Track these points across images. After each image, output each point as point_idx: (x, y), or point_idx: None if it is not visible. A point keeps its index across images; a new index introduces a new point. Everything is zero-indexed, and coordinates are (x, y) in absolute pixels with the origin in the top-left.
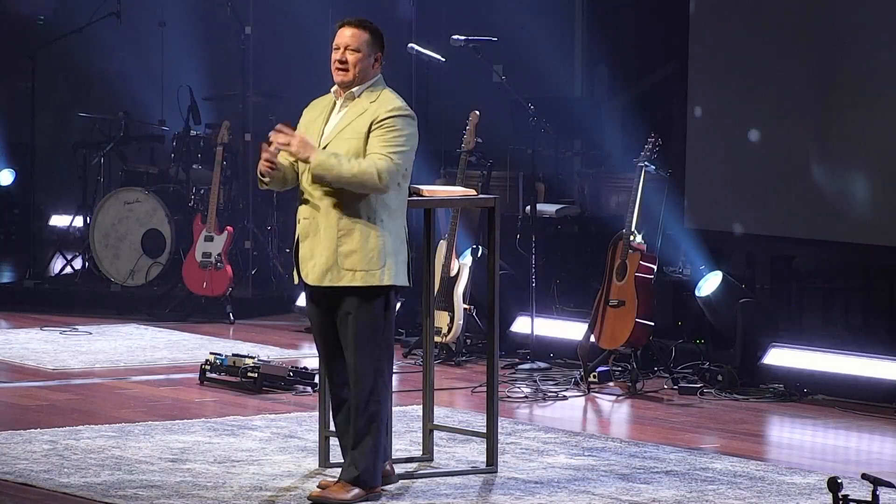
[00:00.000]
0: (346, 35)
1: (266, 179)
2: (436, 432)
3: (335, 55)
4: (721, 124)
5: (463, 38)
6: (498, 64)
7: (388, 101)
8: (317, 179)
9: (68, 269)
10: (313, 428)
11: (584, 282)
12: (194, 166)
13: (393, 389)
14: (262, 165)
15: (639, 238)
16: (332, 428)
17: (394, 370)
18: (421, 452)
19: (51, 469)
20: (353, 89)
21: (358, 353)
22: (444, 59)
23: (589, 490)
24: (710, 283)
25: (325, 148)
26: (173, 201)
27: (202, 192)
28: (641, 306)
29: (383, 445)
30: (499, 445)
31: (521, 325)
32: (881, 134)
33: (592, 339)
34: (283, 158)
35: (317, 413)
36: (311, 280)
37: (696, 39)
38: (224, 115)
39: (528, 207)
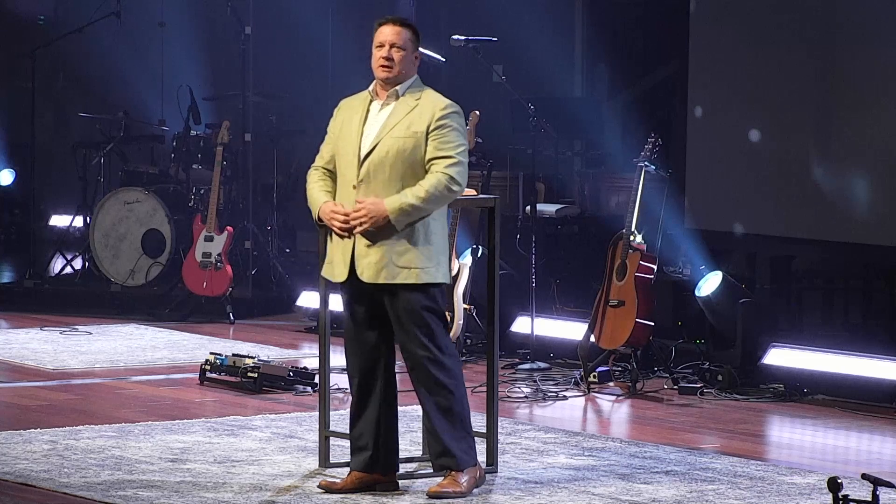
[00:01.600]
0: (389, 32)
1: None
2: None
3: (379, 52)
4: (721, 124)
5: (463, 38)
6: (498, 64)
7: (436, 99)
8: (402, 225)
9: (68, 269)
10: (313, 428)
11: (584, 282)
12: (194, 166)
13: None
14: (339, 231)
15: (639, 238)
16: (348, 429)
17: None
18: (421, 452)
19: (51, 469)
20: (397, 87)
21: (432, 344)
22: (444, 59)
23: (589, 490)
24: (710, 283)
25: (374, 147)
26: (173, 201)
27: (202, 192)
28: (641, 306)
29: (469, 423)
30: (499, 445)
31: (521, 325)
32: (881, 134)
33: (592, 339)
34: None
35: (317, 413)
36: (366, 277)
37: (696, 39)
38: (224, 115)
39: (528, 207)
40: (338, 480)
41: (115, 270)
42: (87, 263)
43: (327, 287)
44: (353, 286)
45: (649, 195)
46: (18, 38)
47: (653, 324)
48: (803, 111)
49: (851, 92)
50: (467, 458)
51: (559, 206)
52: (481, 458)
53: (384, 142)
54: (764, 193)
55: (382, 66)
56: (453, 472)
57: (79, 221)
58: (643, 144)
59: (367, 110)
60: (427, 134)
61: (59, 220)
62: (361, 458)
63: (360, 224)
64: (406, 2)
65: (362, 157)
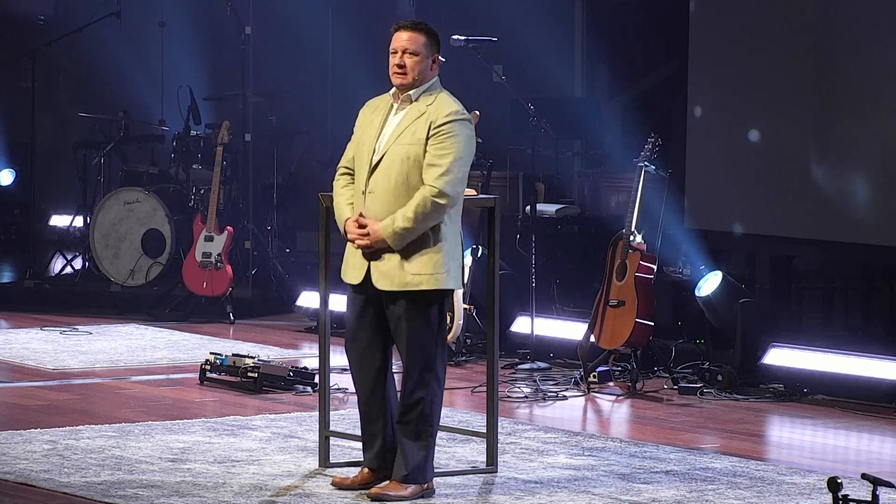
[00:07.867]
0: (403, 38)
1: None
2: None
3: (393, 59)
4: (721, 124)
5: (463, 38)
6: (498, 64)
7: (445, 105)
8: (401, 246)
9: (68, 269)
10: (313, 428)
11: (584, 282)
12: (194, 166)
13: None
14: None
15: (639, 238)
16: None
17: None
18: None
19: (51, 469)
20: (411, 92)
21: (409, 355)
22: (444, 59)
23: (589, 490)
24: (710, 283)
25: (383, 156)
26: (173, 201)
27: (202, 192)
28: (641, 306)
29: (433, 442)
30: (499, 445)
31: (521, 325)
32: (881, 134)
33: (592, 339)
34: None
35: (317, 413)
36: (381, 285)
37: (696, 39)
38: (224, 115)
39: (528, 207)
40: (349, 477)
41: (115, 270)
42: (87, 263)
43: (327, 287)
44: (367, 290)
45: (649, 195)
46: (18, 38)
47: (653, 324)
48: (803, 111)
49: (851, 92)
50: (419, 476)
51: (559, 206)
52: (481, 457)
53: (391, 150)
54: (764, 193)
55: (396, 73)
56: (396, 480)
57: (79, 221)
58: (643, 144)
59: (387, 114)
60: (426, 139)
61: (59, 220)
62: (371, 455)
63: (365, 245)
64: (406, 2)
65: (372, 165)
